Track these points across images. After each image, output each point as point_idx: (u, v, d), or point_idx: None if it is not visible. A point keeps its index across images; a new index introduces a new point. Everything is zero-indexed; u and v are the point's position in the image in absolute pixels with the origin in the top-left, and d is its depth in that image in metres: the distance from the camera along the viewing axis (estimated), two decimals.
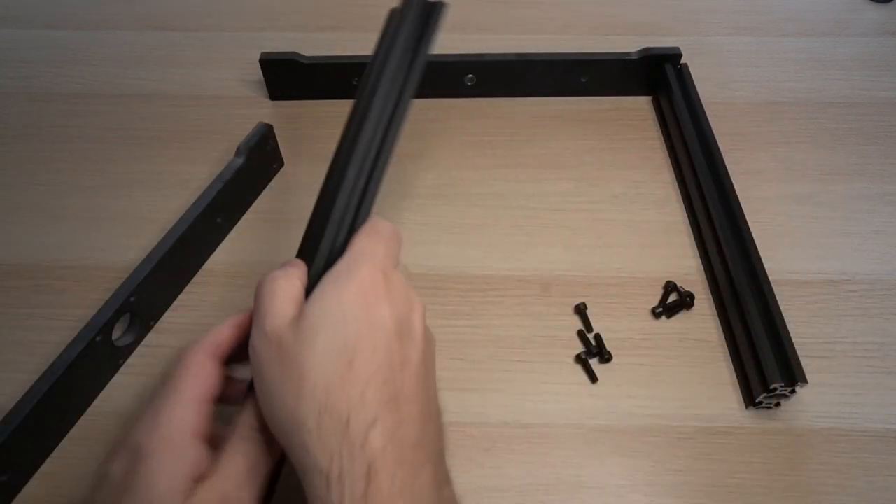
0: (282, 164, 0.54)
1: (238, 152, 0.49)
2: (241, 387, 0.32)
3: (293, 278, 0.30)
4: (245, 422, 0.30)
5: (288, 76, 0.57)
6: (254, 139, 0.49)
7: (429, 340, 0.31)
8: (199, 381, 0.30)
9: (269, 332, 0.28)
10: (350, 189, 0.34)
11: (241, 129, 0.57)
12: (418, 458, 0.27)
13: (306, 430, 0.26)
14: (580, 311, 0.45)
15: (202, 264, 0.48)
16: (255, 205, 0.52)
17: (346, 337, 0.27)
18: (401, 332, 0.29)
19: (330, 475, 0.25)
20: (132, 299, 0.41)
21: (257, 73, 0.58)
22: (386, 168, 0.35)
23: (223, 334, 0.32)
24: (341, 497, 0.25)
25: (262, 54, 0.57)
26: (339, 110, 0.59)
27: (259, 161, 0.51)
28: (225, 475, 0.28)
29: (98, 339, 0.40)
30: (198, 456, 0.28)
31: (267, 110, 0.59)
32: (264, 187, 0.53)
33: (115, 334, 0.42)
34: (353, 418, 0.26)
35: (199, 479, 0.27)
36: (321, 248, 0.32)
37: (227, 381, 0.32)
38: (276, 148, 0.53)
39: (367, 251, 0.31)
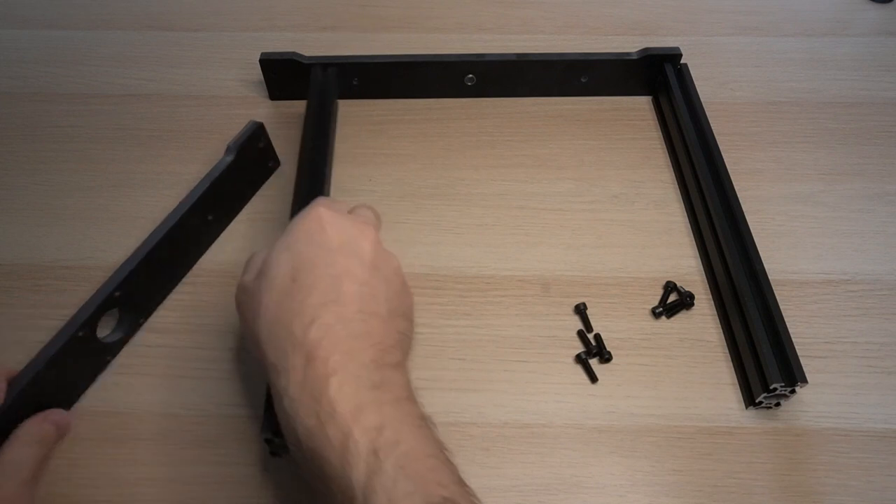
0: (277, 162, 0.54)
1: (228, 150, 0.48)
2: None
3: (264, 250, 0.36)
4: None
5: (288, 76, 0.57)
6: (244, 137, 0.49)
7: (381, 259, 0.35)
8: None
9: (242, 284, 0.36)
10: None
11: (242, 129, 0.57)
12: (356, 345, 0.31)
13: (263, 342, 0.32)
14: (580, 311, 0.45)
15: (194, 262, 0.48)
16: (253, 204, 0.52)
17: (291, 260, 0.33)
18: (343, 250, 0.34)
19: (278, 368, 0.30)
20: (117, 294, 0.41)
21: (257, 73, 0.58)
22: None
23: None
24: (287, 383, 0.30)
25: (262, 54, 0.57)
26: (338, 110, 0.59)
27: (251, 159, 0.51)
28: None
29: (81, 334, 0.40)
30: None
31: (267, 110, 0.59)
32: (259, 186, 0.53)
33: (103, 331, 0.42)
34: (294, 322, 0.31)
35: None
36: None
37: None
38: (270, 146, 0.53)
39: (310, 205, 0.36)
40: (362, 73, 0.58)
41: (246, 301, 0.35)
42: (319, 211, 0.35)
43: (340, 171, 0.54)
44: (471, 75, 0.58)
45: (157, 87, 0.62)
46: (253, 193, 0.53)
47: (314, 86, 0.55)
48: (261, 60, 0.57)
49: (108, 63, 0.64)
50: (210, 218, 0.48)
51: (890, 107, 0.60)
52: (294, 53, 0.57)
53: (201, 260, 0.48)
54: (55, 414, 0.39)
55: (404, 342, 0.34)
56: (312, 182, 0.48)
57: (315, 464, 0.29)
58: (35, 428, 0.37)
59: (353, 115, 0.58)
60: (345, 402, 0.29)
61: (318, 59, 0.57)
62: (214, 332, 0.45)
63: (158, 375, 0.43)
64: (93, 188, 0.53)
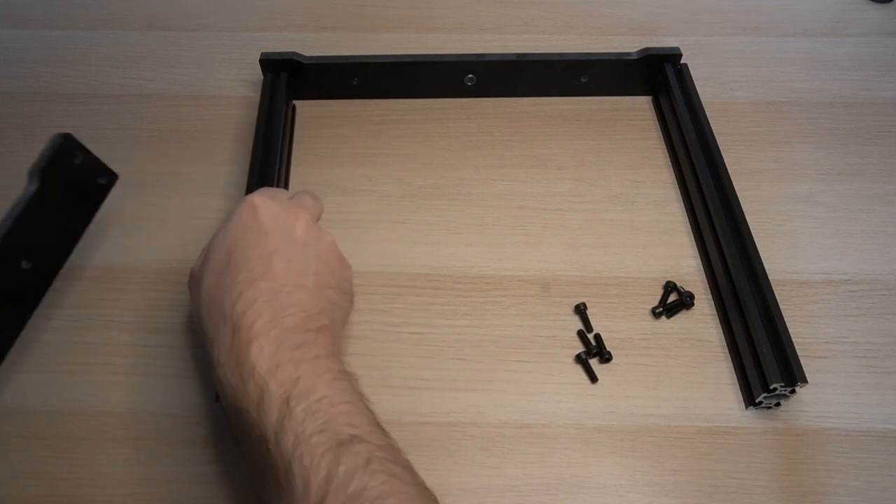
0: (114, 175, 0.46)
1: (30, 177, 0.40)
2: None
3: None
4: None
5: (288, 76, 0.57)
6: (47, 156, 0.40)
7: (313, 237, 0.38)
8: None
9: (191, 271, 0.39)
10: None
11: (241, 129, 0.57)
12: (279, 314, 0.33)
13: (203, 319, 0.35)
14: (580, 311, 0.45)
15: (26, 320, 0.42)
16: None
17: (227, 244, 0.36)
18: (275, 231, 0.37)
19: (212, 341, 0.34)
20: None
21: (257, 73, 0.58)
22: None
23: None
24: (218, 351, 0.33)
25: (262, 54, 0.57)
26: (338, 110, 0.59)
27: (69, 182, 0.42)
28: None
29: None
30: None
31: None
32: (95, 212, 0.45)
33: None
34: (225, 298, 0.34)
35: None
36: None
37: None
38: (94, 159, 0.44)
39: (247, 195, 0.39)
40: (362, 73, 0.58)
41: (192, 284, 0.38)
42: (254, 199, 0.38)
43: (340, 171, 0.54)
44: (471, 75, 0.58)
45: (157, 87, 0.62)
46: (87, 224, 0.44)
47: (264, 90, 0.55)
48: (261, 60, 0.57)
49: (108, 63, 0.64)
50: (27, 266, 0.40)
51: (890, 107, 0.60)
52: (294, 53, 0.57)
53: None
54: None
55: (334, 310, 0.37)
56: (261, 184, 0.48)
57: (238, 418, 0.32)
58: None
59: (353, 115, 0.58)
60: (263, 362, 0.31)
61: (318, 59, 0.57)
62: None
63: (158, 375, 0.43)
64: None
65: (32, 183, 0.40)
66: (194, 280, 0.38)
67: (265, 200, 0.38)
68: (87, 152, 0.43)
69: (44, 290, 0.43)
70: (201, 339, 0.35)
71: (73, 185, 0.43)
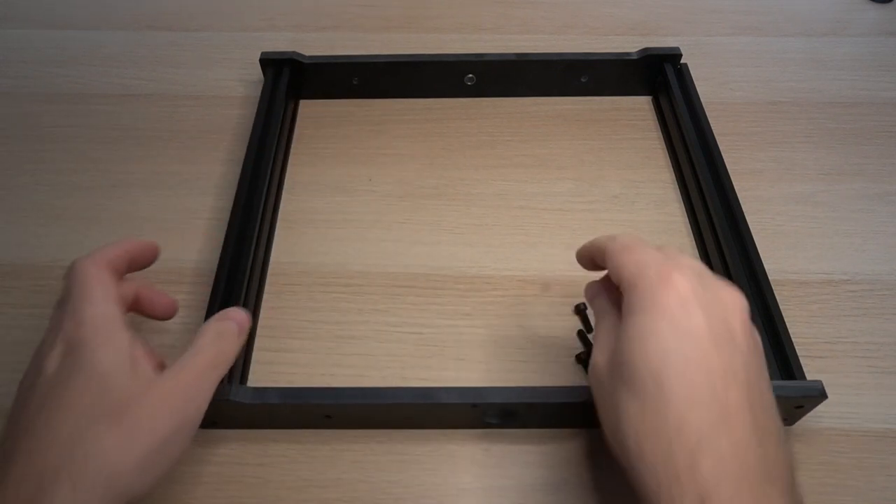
0: None
1: None
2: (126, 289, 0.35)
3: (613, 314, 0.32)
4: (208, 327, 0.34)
5: (288, 76, 0.57)
6: None
7: (755, 342, 0.28)
8: (103, 286, 0.32)
9: (594, 364, 0.31)
10: None
11: (241, 129, 0.57)
12: (760, 487, 0.24)
13: (631, 453, 0.26)
14: (580, 311, 0.45)
15: None
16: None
17: (652, 356, 0.26)
18: (717, 339, 0.26)
19: (659, 498, 0.25)
20: None
21: (257, 73, 0.58)
22: None
23: (114, 253, 0.34)
24: None
25: (262, 54, 0.57)
26: (338, 110, 0.59)
27: None
28: (188, 367, 0.31)
29: None
30: (131, 337, 0.31)
31: None
32: None
33: None
34: (674, 443, 0.25)
35: (140, 361, 0.30)
36: None
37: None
38: None
39: (658, 270, 0.29)
40: (362, 73, 0.58)
41: (599, 391, 0.30)
42: (677, 283, 0.27)
43: (340, 171, 0.54)
44: (471, 75, 0.58)
45: (156, 87, 0.62)
46: None
47: (264, 90, 0.55)
48: (261, 60, 0.57)
49: (108, 63, 0.64)
50: None
51: (890, 107, 0.60)
52: (294, 53, 0.57)
53: (196, 260, 0.48)
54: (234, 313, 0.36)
55: (791, 461, 0.27)
56: (253, 184, 0.48)
57: None
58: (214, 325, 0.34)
59: (353, 115, 0.58)
60: None
61: (318, 59, 0.57)
62: None
63: None
64: (93, 188, 0.53)
65: None
66: (601, 386, 0.30)
67: (694, 286, 0.27)
68: None
69: None
70: (624, 465, 0.28)
71: None
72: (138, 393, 0.29)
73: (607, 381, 0.29)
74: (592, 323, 0.45)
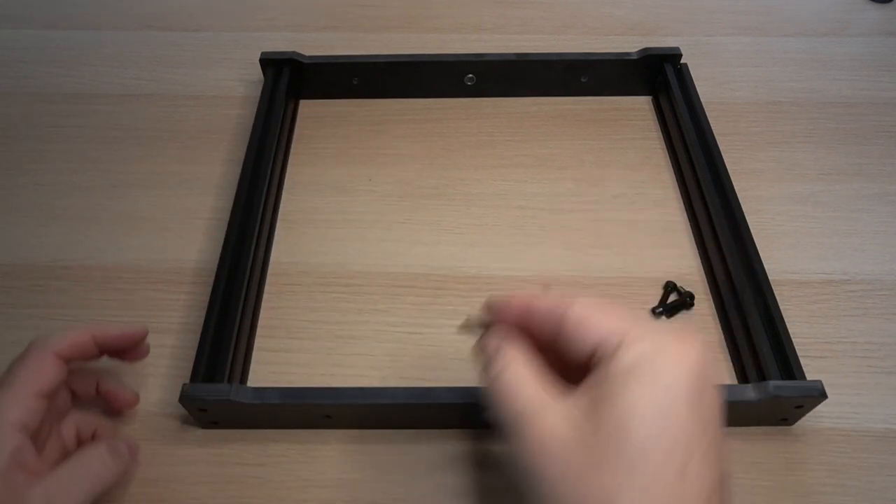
0: None
1: None
2: (87, 382, 0.38)
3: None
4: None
5: (288, 76, 0.57)
6: None
7: (716, 395, 0.26)
8: (36, 377, 0.34)
9: (551, 444, 0.25)
10: None
11: (241, 129, 0.57)
12: None
13: None
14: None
15: None
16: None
17: (675, 436, 0.23)
18: (714, 417, 0.25)
19: None
20: None
21: (257, 73, 0.58)
22: None
23: (77, 340, 0.36)
24: None
25: (263, 54, 0.57)
26: (338, 110, 0.59)
27: None
28: (58, 480, 0.32)
29: None
30: (17, 444, 0.32)
31: None
32: None
33: None
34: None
35: (22, 466, 0.31)
36: None
37: (74, 376, 0.37)
38: None
39: (681, 345, 0.26)
40: (362, 73, 0.58)
41: (559, 468, 0.24)
42: (700, 359, 0.25)
43: (340, 171, 0.54)
44: (471, 75, 0.58)
45: (156, 87, 0.62)
46: None
47: (264, 90, 0.55)
48: (261, 60, 0.57)
49: (108, 63, 0.64)
50: None
51: (890, 107, 0.60)
52: (294, 53, 0.57)
53: (196, 260, 0.49)
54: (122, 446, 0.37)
55: None
56: (252, 184, 0.48)
57: None
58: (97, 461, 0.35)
59: (353, 115, 0.58)
60: None
61: (318, 59, 0.57)
62: None
63: (159, 375, 0.43)
64: (93, 188, 0.53)
65: None
66: (581, 456, 0.24)
67: (709, 362, 0.25)
68: None
69: None
70: None
71: None
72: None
73: (593, 448, 0.24)
74: None
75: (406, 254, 0.49)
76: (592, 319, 0.27)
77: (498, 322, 0.31)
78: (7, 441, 0.32)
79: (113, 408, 0.40)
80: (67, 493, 0.32)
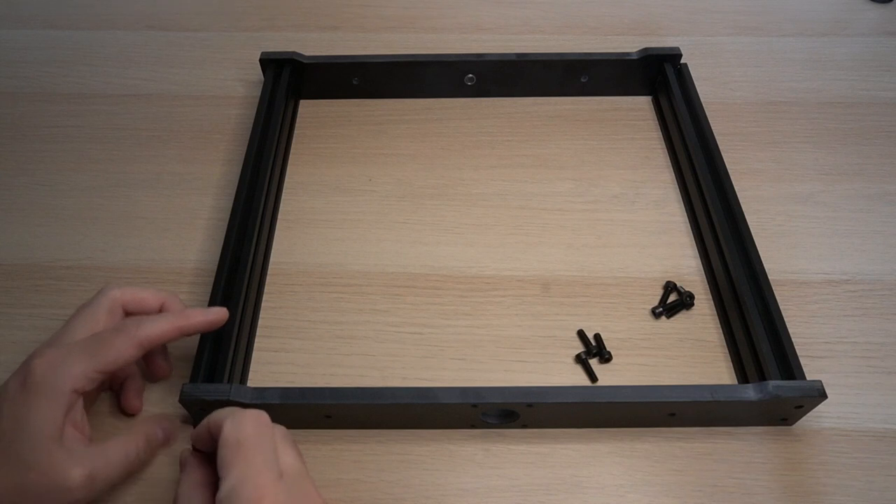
0: None
1: None
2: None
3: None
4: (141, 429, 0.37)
5: (288, 76, 0.57)
6: None
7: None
8: (113, 357, 0.35)
9: None
10: None
11: (241, 129, 0.57)
12: None
13: None
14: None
15: None
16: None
17: None
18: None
19: None
20: None
21: (257, 73, 0.58)
22: None
23: (164, 336, 0.37)
24: None
25: (263, 54, 0.57)
26: (338, 110, 0.59)
27: None
28: (104, 454, 0.34)
29: None
30: (72, 404, 0.34)
31: None
32: None
33: None
34: None
35: (74, 436, 0.34)
36: None
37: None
38: None
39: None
40: (362, 73, 0.58)
41: None
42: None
43: (340, 171, 0.54)
44: (471, 75, 0.58)
45: (156, 87, 0.62)
46: None
47: (264, 90, 0.55)
48: (261, 60, 0.57)
49: (108, 63, 0.64)
50: None
51: (890, 107, 0.60)
52: (294, 53, 0.57)
53: (196, 260, 0.49)
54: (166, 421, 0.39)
55: None
56: (253, 182, 0.48)
57: None
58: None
59: (353, 115, 0.58)
60: None
61: (318, 59, 0.57)
62: None
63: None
64: (92, 188, 0.53)
65: None
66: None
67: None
68: None
69: None
70: None
71: None
72: (48, 453, 0.32)
73: None
74: (592, 323, 0.45)
75: (406, 254, 0.49)
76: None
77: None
78: (63, 401, 0.33)
79: (150, 371, 0.42)
80: (109, 469, 0.34)
